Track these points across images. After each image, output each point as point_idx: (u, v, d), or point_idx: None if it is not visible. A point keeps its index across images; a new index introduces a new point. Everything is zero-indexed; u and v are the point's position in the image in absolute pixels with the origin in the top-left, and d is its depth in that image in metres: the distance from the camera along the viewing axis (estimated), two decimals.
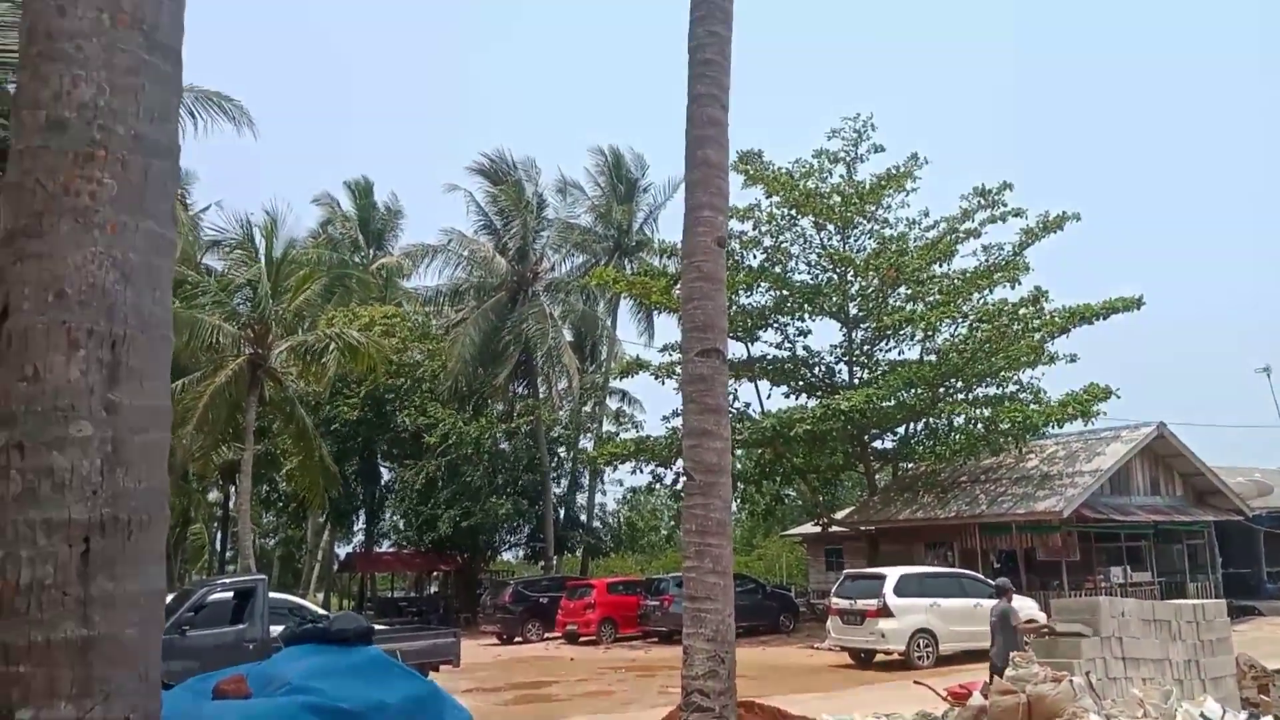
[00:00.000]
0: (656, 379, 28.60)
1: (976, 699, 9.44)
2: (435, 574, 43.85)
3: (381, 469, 39.73)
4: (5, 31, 15.79)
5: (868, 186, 27.61)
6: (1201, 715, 8.96)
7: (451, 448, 32.98)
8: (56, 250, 3.06)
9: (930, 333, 26.54)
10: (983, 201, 26.89)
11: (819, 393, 28.12)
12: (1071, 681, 8.90)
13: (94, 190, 3.12)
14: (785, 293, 27.64)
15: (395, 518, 39.87)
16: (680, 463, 26.10)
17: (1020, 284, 26.11)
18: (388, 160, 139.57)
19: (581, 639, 26.40)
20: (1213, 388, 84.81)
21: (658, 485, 31.15)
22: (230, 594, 14.63)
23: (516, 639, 27.72)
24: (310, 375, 29.61)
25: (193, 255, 28.79)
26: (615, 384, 39.62)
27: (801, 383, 28.96)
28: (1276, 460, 41.64)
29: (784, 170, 26.96)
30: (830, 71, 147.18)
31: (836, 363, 29.30)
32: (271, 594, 15.53)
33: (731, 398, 26.45)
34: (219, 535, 45.61)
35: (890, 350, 28.71)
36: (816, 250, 28.16)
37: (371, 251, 44.15)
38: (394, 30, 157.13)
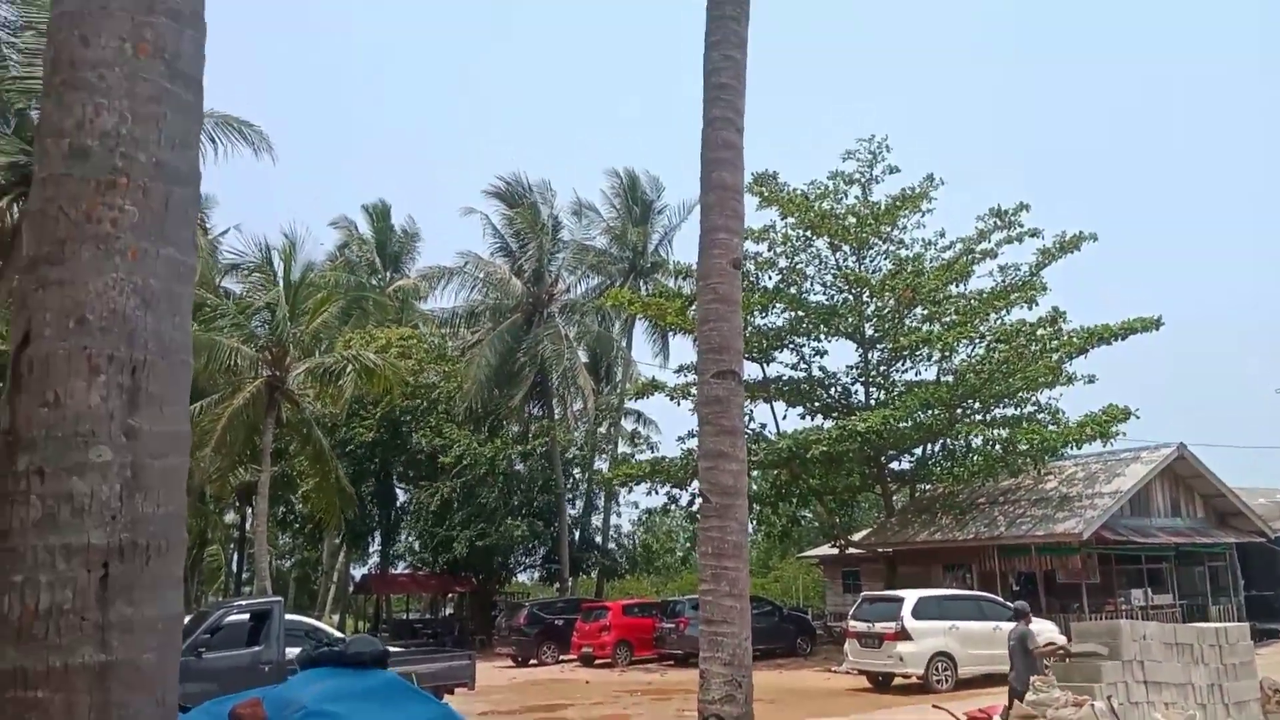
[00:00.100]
0: (672, 400, 28.59)
1: None
2: (450, 596, 43.77)
3: (397, 490, 39.80)
4: (32, 61, 16.05)
5: (883, 207, 27.59)
6: None
7: (467, 469, 33.01)
8: (78, 277, 3.09)
9: (947, 353, 26.42)
10: (999, 222, 26.81)
11: (835, 414, 28.00)
12: (1093, 706, 8.81)
13: (116, 217, 3.15)
14: (801, 313, 27.60)
15: (410, 539, 39.88)
16: (695, 484, 26.08)
17: (1038, 304, 26.00)
18: (405, 184, 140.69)
19: (597, 661, 26.29)
20: (1232, 408, 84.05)
21: (673, 506, 31.07)
22: (246, 616, 14.65)
23: (531, 661, 27.63)
24: (327, 397, 29.75)
25: (211, 278, 29.02)
26: (630, 405, 39.64)
27: (817, 404, 28.85)
28: None
29: (799, 192, 27.00)
30: (831, 73, 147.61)
31: (853, 383, 29.19)
32: (287, 616, 15.54)
33: (747, 419, 26.35)
34: (235, 556, 45.71)
35: (907, 371, 28.62)
36: (832, 271, 28.14)
37: (388, 274, 44.44)
38: (414, 56, 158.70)
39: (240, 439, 26.57)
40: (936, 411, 25.25)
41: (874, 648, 19.18)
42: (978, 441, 26.31)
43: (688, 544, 52.55)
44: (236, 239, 56.33)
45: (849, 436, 23.88)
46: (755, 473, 29.61)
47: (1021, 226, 26.62)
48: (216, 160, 21.13)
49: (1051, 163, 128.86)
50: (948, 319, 26.48)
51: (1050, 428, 24.83)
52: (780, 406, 28.93)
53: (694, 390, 25.77)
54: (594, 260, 38.67)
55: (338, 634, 17.39)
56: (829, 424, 26.47)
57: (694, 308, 22.65)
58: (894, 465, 29.10)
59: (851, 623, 20.22)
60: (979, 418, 26.33)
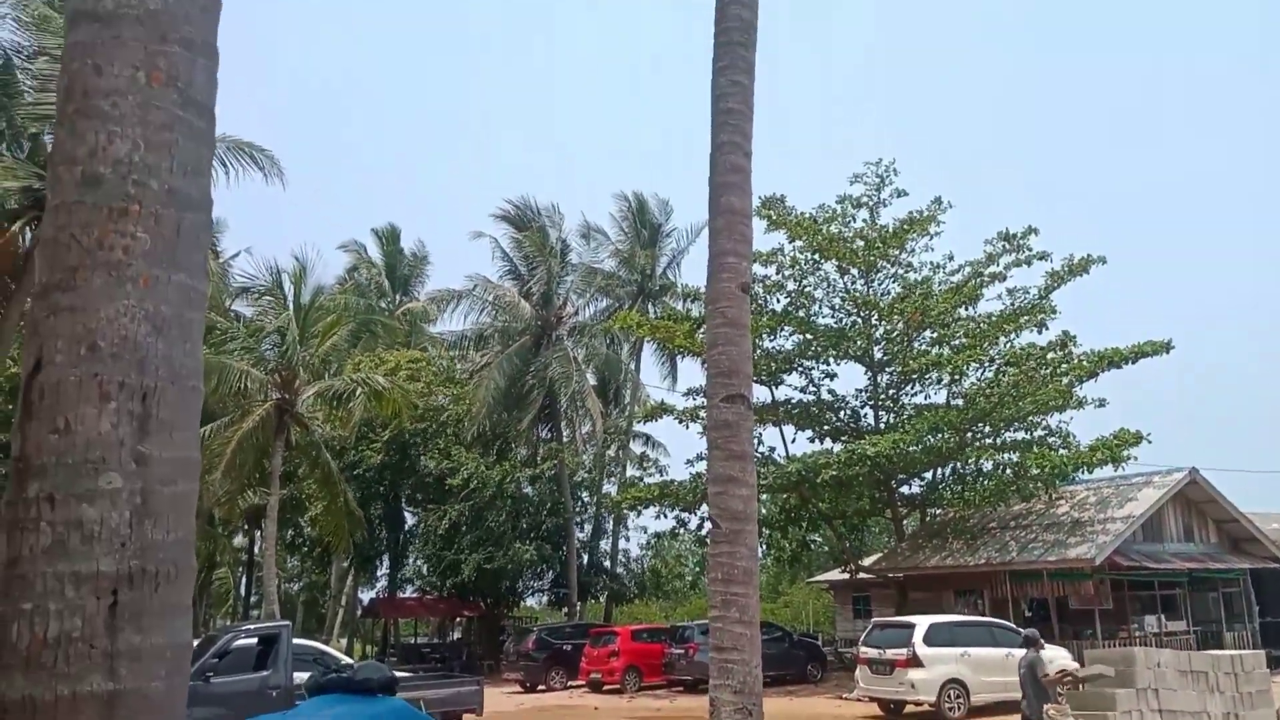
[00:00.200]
0: (680, 423, 28.56)
1: None
2: (458, 620, 43.64)
3: (406, 513, 39.76)
4: (45, 87, 16.23)
5: (891, 230, 27.62)
6: None
7: (475, 492, 32.96)
8: (89, 304, 3.10)
9: (957, 377, 26.36)
10: (1007, 245, 26.81)
11: (844, 437, 27.93)
12: None
13: (128, 244, 3.16)
14: (809, 336, 27.59)
15: (419, 562, 39.78)
16: (704, 508, 25.99)
17: (1048, 328, 25.95)
18: (415, 208, 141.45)
19: (605, 687, 26.11)
20: (1245, 432, 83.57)
21: (681, 530, 30.96)
22: (254, 640, 14.61)
23: (540, 687, 27.46)
24: (336, 420, 29.79)
25: (222, 301, 29.17)
26: (639, 428, 39.57)
27: (827, 427, 28.78)
28: None
29: (807, 215, 27.06)
30: (834, 76, 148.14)
31: (862, 407, 29.13)
32: (295, 640, 15.50)
33: (756, 442, 26.31)
34: (244, 579, 45.67)
35: (916, 394, 28.56)
36: (840, 294, 28.15)
37: (398, 297, 44.59)
38: (424, 81, 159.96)
39: (249, 462, 26.61)
40: (946, 435, 25.16)
41: (885, 674, 19.02)
42: (988, 465, 26.20)
43: (696, 568, 52.31)
44: (247, 262, 56.44)
45: (859, 460, 23.80)
46: (764, 496, 29.50)
47: (1030, 250, 26.62)
48: (229, 185, 21.34)
49: (1053, 172, 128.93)
50: (957, 342, 26.45)
51: (1061, 452, 24.70)
52: (789, 430, 28.88)
53: (703, 413, 25.76)
54: (602, 283, 38.76)
55: (346, 659, 17.33)
56: (838, 448, 26.39)
57: (702, 330, 22.66)
58: (904, 489, 28.99)
59: (863, 649, 20.07)
60: (989, 441, 26.22)
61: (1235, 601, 26.29)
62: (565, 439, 37.20)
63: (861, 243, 27.37)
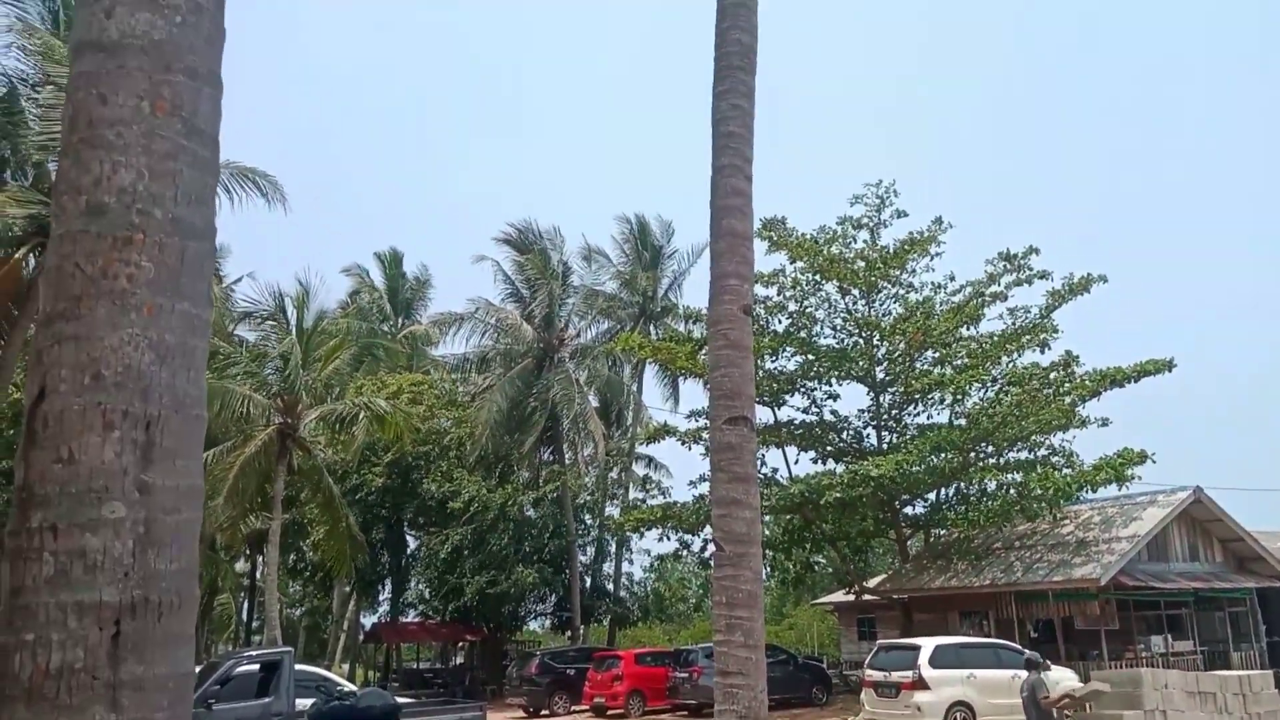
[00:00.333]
0: (683, 445, 28.49)
1: None
2: (461, 644, 43.37)
3: (408, 537, 39.62)
4: (50, 115, 16.32)
5: (891, 251, 27.64)
6: None
7: (477, 515, 32.87)
8: (93, 332, 3.10)
9: (959, 396, 26.31)
10: (1008, 265, 26.82)
11: (847, 458, 27.85)
12: None
13: (132, 273, 3.17)
14: (811, 357, 27.58)
15: (421, 586, 39.60)
16: (707, 530, 25.90)
17: (1050, 348, 25.92)
18: (418, 231, 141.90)
19: (609, 712, 25.93)
20: (1250, 451, 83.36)
21: (685, 553, 30.84)
22: (257, 666, 14.53)
23: (543, 712, 27.28)
24: (339, 444, 29.76)
25: (225, 326, 29.23)
26: (641, 450, 39.53)
27: (829, 448, 28.72)
28: None
29: (808, 236, 27.10)
30: (837, 86, 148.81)
31: (865, 427, 29.07)
32: (298, 666, 15.43)
33: (759, 464, 26.24)
34: (246, 605, 45.48)
35: (919, 414, 28.47)
36: (842, 315, 28.14)
37: (400, 320, 44.65)
38: (425, 104, 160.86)
39: (252, 487, 26.56)
40: (949, 455, 25.08)
41: (891, 697, 18.89)
42: (992, 486, 26.12)
43: (700, 591, 52.10)
44: (250, 287, 56.87)
45: (862, 481, 23.71)
46: (768, 518, 29.40)
47: (1031, 269, 26.62)
48: (233, 209, 21.45)
49: (1053, 191, 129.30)
50: (959, 362, 26.42)
51: (1065, 471, 24.62)
52: (792, 451, 28.81)
53: (705, 435, 25.72)
54: (604, 305, 38.81)
55: (349, 685, 17.23)
56: (841, 468, 26.31)
57: (704, 352, 22.65)
58: (908, 510, 28.87)
59: (868, 671, 19.95)
60: (992, 462, 26.15)
61: (1242, 621, 26.14)
62: (568, 461, 37.12)
63: (862, 263, 27.38)
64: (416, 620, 41.18)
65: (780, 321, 27.90)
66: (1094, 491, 24.57)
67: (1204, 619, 25.75)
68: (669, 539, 29.54)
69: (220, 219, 3.73)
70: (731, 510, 8.29)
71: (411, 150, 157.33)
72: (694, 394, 41.91)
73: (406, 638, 42.81)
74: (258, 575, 40.60)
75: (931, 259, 28.16)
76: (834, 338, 28.44)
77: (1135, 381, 25.10)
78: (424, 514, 36.25)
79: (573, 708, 27.36)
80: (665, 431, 29.18)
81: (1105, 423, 26.20)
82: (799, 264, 27.14)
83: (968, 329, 27.34)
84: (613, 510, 38.15)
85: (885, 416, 28.60)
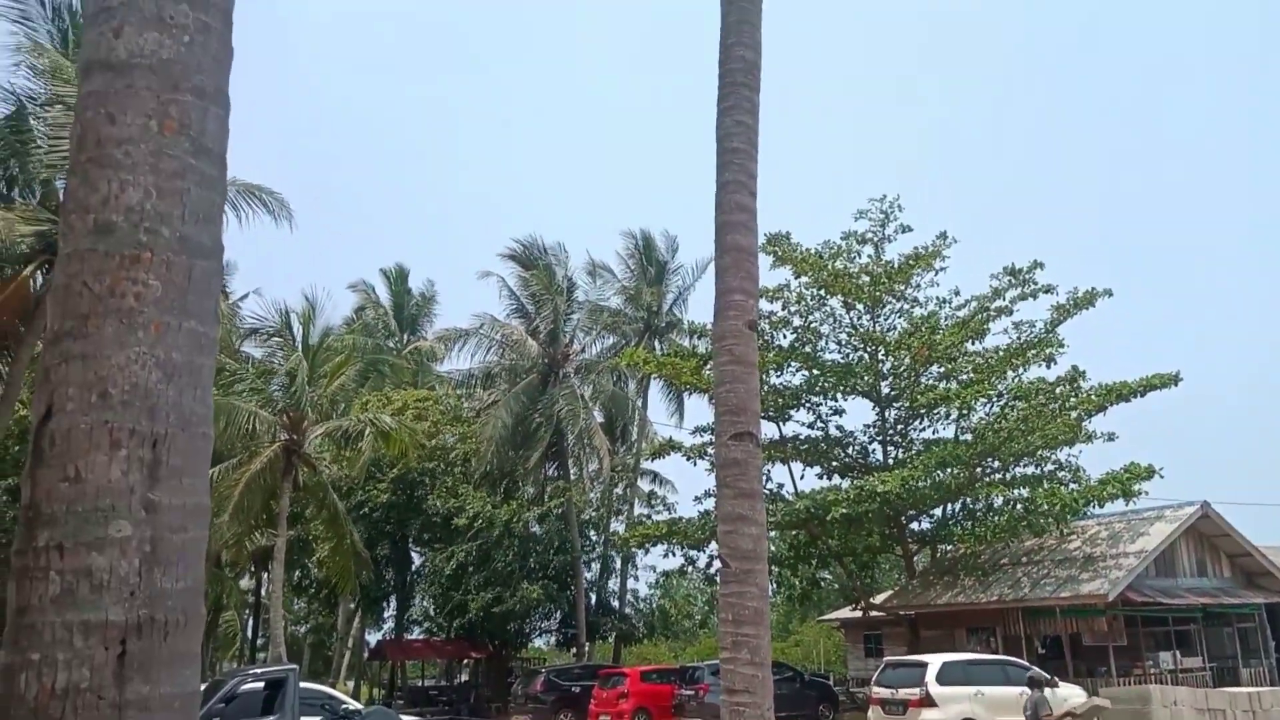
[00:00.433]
0: (688, 460, 28.41)
1: None
2: (466, 661, 43.23)
3: (413, 553, 39.55)
4: (59, 134, 16.42)
5: (896, 266, 27.64)
6: None
7: (481, 531, 32.81)
8: (101, 351, 3.11)
9: (965, 411, 26.27)
10: (1013, 280, 26.81)
11: (853, 473, 27.77)
12: None
13: (139, 292, 3.18)
14: (816, 372, 27.54)
15: (425, 603, 39.49)
16: (713, 546, 25.82)
17: (1056, 362, 25.88)
18: (424, 248, 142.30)
19: None
20: (1258, 466, 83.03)
21: (690, 568, 30.74)
22: (261, 684, 14.48)
23: None
24: (344, 460, 29.76)
25: (231, 343, 29.29)
26: (646, 465, 39.46)
27: (835, 463, 28.64)
28: None
29: (812, 251, 27.11)
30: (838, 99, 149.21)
31: (870, 442, 28.99)
32: (303, 684, 15.36)
33: (764, 479, 26.17)
34: (250, 622, 45.37)
35: (924, 429, 28.41)
36: (846, 330, 28.12)
37: (405, 336, 44.72)
38: (432, 121, 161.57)
39: (257, 504, 26.55)
40: (955, 471, 25.01)
41: (898, 714, 18.78)
42: (999, 501, 26.02)
43: (706, 607, 51.92)
44: (256, 304, 57.03)
45: (868, 497, 23.63)
46: (773, 534, 29.31)
47: (1035, 283, 26.61)
48: (241, 227, 21.53)
49: (1058, 205, 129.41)
50: (964, 377, 26.37)
51: (1071, 486, 24.53)
52: (797, 466, 28.73)
53: (710, 450, 25.67)
54: (609, 320, 38.84)
55: (354, 703, 17.16)
56: (847, 484, 26.23)
57: (709, 367, 22.63)
58: (914, 525, 28.77)
59: (875, 689, 19.85)
60: (999, 477, 26.07)
61: (1251, 637, 25.98)
62: (573, 477, 37.07)
63: (867, 278, 27.38)
64: (421, 638, 41.09)
65: (785, 336, 27.89)
66: (1101, 507, 24.47)
67: (1212, 635, 25.60)
68: (674, 555, 29.48)
69: (227, 236, 3.74)
70: (737, 526, 8.26)
71: (418, 166, 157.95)
72: (699, 409, 41.89)
73: (411, 655, 42.72)
74: (263, 592, 40.54)
75: (936, 274, 28.17)
76: (839, 353, 28.43)
77: (1141, 396, 25.05)
78: (429, 530, 36.21)
79: None
80: (670, 447, 29.13)
81: (1111, 437, 26.15)
82: (803, 279, 27.15)
83: (973, 344, 27.29)
84: (618, 526, 38.09)
85: (891, 432, 28.54)
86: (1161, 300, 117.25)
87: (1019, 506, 24.89)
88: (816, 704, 26.54)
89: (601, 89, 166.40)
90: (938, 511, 27.94)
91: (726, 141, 9.08)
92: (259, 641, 42.44)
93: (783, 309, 27.71)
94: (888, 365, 27.89)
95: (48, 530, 2.96)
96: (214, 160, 3.50)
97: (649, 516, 34.53)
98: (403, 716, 13.44)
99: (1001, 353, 26.63)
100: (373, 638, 44.86)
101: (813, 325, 27.84)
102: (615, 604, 39.88)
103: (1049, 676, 19.28)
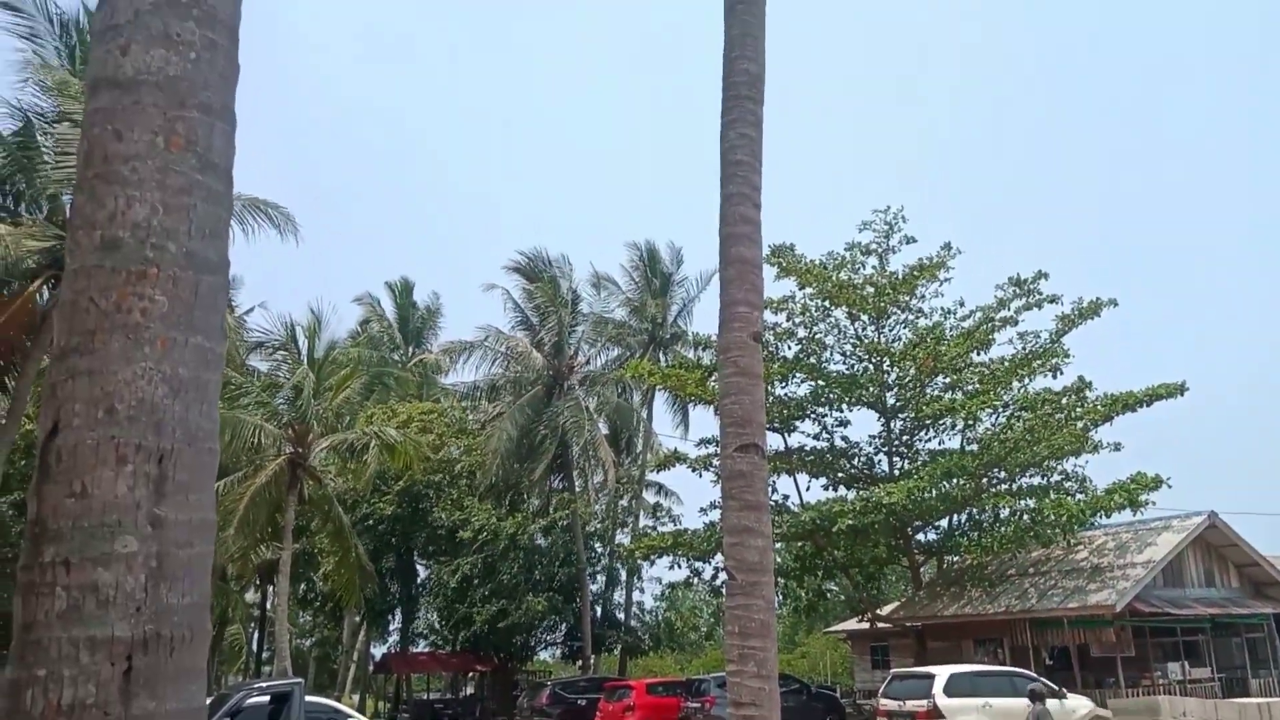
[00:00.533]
0: (694, 471, 28.38)
1: None
2: (471, 674, 43.13)
3: (418, 566, 39.50)
4: (66, 150, 16.50)
5: (901, 277, 27.66)
6: None
7: (487, 544, 32.77)
8: (107, 366, 3.11)
9: (971, 422, 26.23)
10: (1018, 290, 26.82)
11: (859, 484, 27.73)
12: None
13: (145, 307, 3.18)
14: (821, 383, 27.52)
15: (431, 616, 39.41)
16: (719, 557, 25.75)
17: (1062, 372, 25.85)
18: (429, 260, 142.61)
19: None
20: (1265, 475, 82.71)
21: (696, 580, 30.68)
22: (267, 698, 14.46)
23: None
24: (350, 473, 29.75)
25: (237, 356, 29.34)
26: (651, 477, 39.40)
27: (841, 474, 28.59)
28: None
29: (816, 262, 27.14)
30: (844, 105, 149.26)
31: (876, 453, 28.94)
32: (308, 697, 15.34)
33: (770, 490, 26.11)
34: (256, 635, 45.32)
35: (930, 440, 28.39)
36: (851, 340, 28.13)
37: (410, 349, 44.76)
38: (437, 136, 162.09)
39: (263, 517, 26.54)
40: (961, 481, 24.96)
41: None
42: (1005, 512, 25.96)
43: (712, 619, 51.75)
44: (262, 317, 57.06)
45: (874, 508, 23.58)
46: (779, 545, 29.24)
47: (1040, 294, 26.61)
48: (248, 240, 21.60)
49: (1063, 215, 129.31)
50: (970, 387, 26.33)
51: (1078, 497, 24.47)
52: (803, 477, 28.69)
53: (715, 461, 25.62)
54: (613, 332, 38.87)
55: (359, 717, 17.14)
56: (852, 495, 26.19)
57: (714, 379, 22.62)
58: (921, 536, 28.69)
59: (882, 701, 19.76)
60: (1005, 487, 26.00)
61: (1260, 647, 25.85)
62: (578, 489, 37.03)
63: (871, 289, 27.40)
64: (426, 651, 40.99)
65: (790, 347, 27.90)
66: (1108, 517, 24.42)
67: (1221, 645, 25.48)
68: (680, 566, 29.46)
69: (233, 250, 3.75)
70: (743, 538, 8.23)
71: (423, 179, 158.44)
72: (704, 420, 41.93)
73: (417, 668, 42.62)
74: (268, 605, 40.49)
75: (941, 284, 28.19)
76: (844, 363, 28.44)
77: (1147, 405, 25.02)
78: (434, 543, 36.17)
79: None
80: (675, 459, 29.10)
81: (1118, 447, 26.11)
82: (808, 290, 27.17)
83: (978, 354, 27.26)
84: (623, 538, 38.00)
85: (896, 442, 28.50)
86: (1161, 301, 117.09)
87: (1025, 517, 24.83)
88: (823, 716, 26.39)
89: (607, 103, 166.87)
90: (944, 522, 27.88)
91: (730, 154, 9.09)
92: (264, 655, 42.41)
93: (787, 320, 27.75)
94: (893, 376, 27.88)
95: (54, 546, 2.96)
96: (220, 176, 3.51)
97: (654, 528, 34.52)
98: None
99: (1007, 363, 26.61)
100: (378, 651, 44.78)
101: (817, 336, 27.85)
102: (620, 616, 39.77)
103: (1056, 688, 19.21)
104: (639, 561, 34.28)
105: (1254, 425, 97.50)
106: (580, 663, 36.37)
